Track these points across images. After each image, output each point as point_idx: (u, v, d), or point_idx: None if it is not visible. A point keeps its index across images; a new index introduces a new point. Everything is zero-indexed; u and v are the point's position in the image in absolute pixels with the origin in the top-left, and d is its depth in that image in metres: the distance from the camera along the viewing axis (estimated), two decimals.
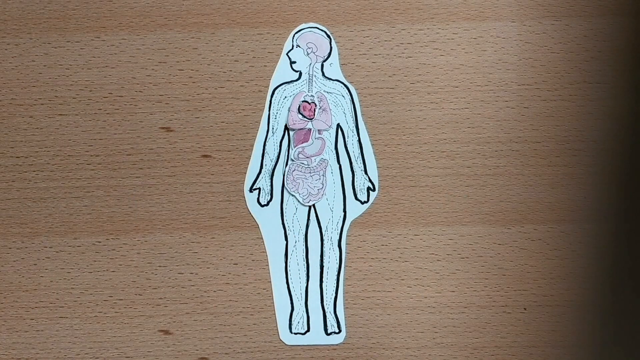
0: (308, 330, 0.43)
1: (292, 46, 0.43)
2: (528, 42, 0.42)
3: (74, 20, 0.43)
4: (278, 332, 0.43)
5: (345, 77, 0.43)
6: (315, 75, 0.43)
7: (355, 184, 0.43)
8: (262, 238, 0.43)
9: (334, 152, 0.43)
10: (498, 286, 0.43)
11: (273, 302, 0.43)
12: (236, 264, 0.43)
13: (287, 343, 0.43)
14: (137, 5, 0.43)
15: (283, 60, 0.43)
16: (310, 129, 0.43)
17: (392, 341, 0.43)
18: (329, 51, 0.43)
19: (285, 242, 0.43)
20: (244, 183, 0.43)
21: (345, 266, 0.43)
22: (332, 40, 0.43)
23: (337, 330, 0.43)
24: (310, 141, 0.42)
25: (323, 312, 0.43)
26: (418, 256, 0.43)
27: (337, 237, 0.43)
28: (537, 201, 0.43)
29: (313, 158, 0.43)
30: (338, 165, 0.43)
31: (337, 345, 0.43)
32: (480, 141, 0.43)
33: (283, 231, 0.43)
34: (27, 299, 0.43)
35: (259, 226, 0.43)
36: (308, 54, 0.43)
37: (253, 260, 0.43)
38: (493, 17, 0.42)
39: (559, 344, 0.43)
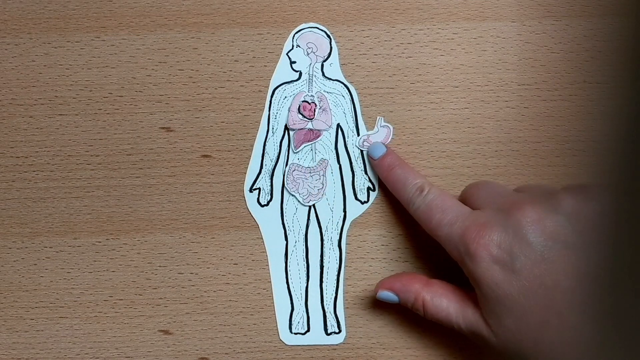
0: (308, 330, 0.43)
1: (292, 46, 0.43)
2: (528, 42, 0.42)
3: (74, 20, 0.43)
4: (278, 332, 0.43)
5: (345, 77, 0.43)
6: (315, 75, 0.43)
7: (355, 184, 0.43)
8: (262, 238, 0.43)
9: (334, 152, 0.43)
10: None
11: (273, 302, 0.43)
12: (236, 264, 0.43)
13: (287, 343, 0.43)
14: (137, 5, 0.43)
15: (283, 60, 0.43)
16: (312, 129, 0.43)
17: (392, 341, 0.43)
18: (329, 51, 0.43)
19: (285, 242, 0.43)
20: (244, 183, 0.43)
21: (345, 266, 0.43)
22: (332, 40, 0.43)
23: (337, 330, 0.43)
24: (375, 129, 0.42)
25: (323, 312, 0.43)
26: (418, 256, 0.43)
27: (337, 237, 0.43)
28: None
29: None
30: (338, 165, 0.43)
31: (337, 345, 0.43)
32: (480, 141, 0.43)
33: (283, 231, 0.43)
34: (27, 299, 0.43)
35: (259, 226, 0.43)
36: (308, 54, 0.43)
37: (253, 260, 0.43)
38: (493, 17, 0.42)
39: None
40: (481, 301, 0.37)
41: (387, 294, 0.40)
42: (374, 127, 0.43)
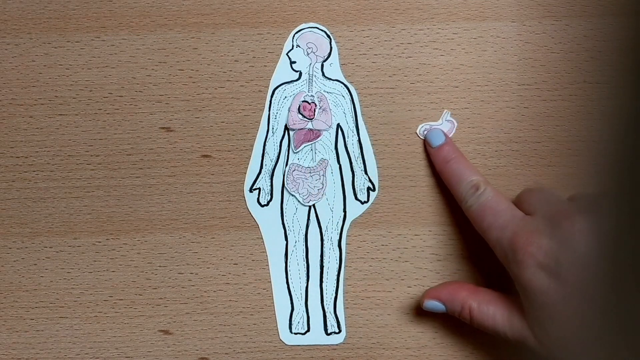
0: (308, 330, 0.43)
1: (292, 46, 0.43)
2: (528, 42, 0.42)
3: (74, 20, 0.43)
4: (278, 332, 0.43)
5: (345, 77, 0.43)
6: (315, 75, 0.43)
7: (355, 184, 0.43)
8: (262, 238, 0.43)
9: (334, 152, 0.43)
10: (498, 286, 0.43)
11: (273, 302, 0.43)
12: (236, 264, 0.43)
13: (287, 343, 0.43)
14: (137, 5, 0.43)
15: (283, 60, 0.43)
16: (312, 129, 0.43)
17: (392, 341, 0.43)
18: (329, 51, 0.43)
19: (285, 242, 0.43)
20: (244, 183, 0.43)
21: (345, 266, 0.43)
22: (332, 40, 0.43)
23: (337, 330, 0.43)
24: (440, 121, 0.42)
25: (323, 312, 0.43)
26: (418, 256, 0.43)
27: (337, 237, 0.43)
28: None
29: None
30: (338, 165, 0.43)
31: (337, 345, 0.43)
32: (480, 141, 0.43)
33: (283, 231, 0.43)
34: (27, 299, 0.43)
35: (259, 226, 0.43)
36: (308, 54, 0.43)
37: (253, 260, 0.43)
38: (493, 17, 0.42)
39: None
40: (526, 307, 0.37)
41: (434, 304, 0.40)
42: (373, 127, 0.43)
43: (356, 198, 0.43)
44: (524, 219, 0.38)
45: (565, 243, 0.36)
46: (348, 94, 0.43)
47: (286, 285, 0.43)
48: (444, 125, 0.42)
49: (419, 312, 0.43)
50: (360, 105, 0.43)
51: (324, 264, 0.43)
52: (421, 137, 0.42)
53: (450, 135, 0.42)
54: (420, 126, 0.42)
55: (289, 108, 0.43)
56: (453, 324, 0.43)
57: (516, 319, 0.38)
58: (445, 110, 0.42)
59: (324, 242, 0.43)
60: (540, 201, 0.39)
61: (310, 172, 0.43)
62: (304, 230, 0.43)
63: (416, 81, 0.43)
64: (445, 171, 0.42)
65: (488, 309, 0.39)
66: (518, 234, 0.37)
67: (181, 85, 0.43)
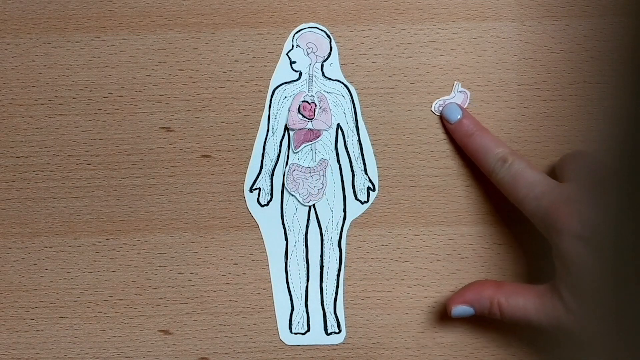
0: (308, 330, 0.43)
1: (292, 46, 0.43)
2: (528, 42, 0.42)
3: (74, 20, 0.43)
4: (278, 332, 0.43)
5: (345, 77, 0.43)
6: (315, 75, 0.43)
7: (355, 184, 0.43)
8: (262, 238, 0.43)
9: (334, 152, 0.43)
10: None
11: (273, 302, 0.43)
12: (236, 264, 0.43)
13: (287, 343, 0.43)
14: (137, 5, 0.43)
15: (283, 60, 0.43)
16: (312, 129, 0.43)
17: (392, 341, 0.43)
18: (329, 51, 0.43)
19: (285, 242, 0.43)
20: (244, 183, 0.43)
21: (345, 266, 0.43)
22: (332, 40, 0.43)
23: (337, 330, 0.43)
24: (452, 94, 0.41)
25: (323, 312, 0.43)
26: (418, 256, 0.43)
27: (337, 237, 0.43)
28: None
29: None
30: (338, 165, 0.43)
31: (337, 345, 0.43)
32: None
33: (283, 231, 0.43)
34: (27, 299, 0.43)
35: (259, 226, 0.43)
36: (308, 54, 0.43)
37: (253, 260, 0.43)
38: (493, 17, 0.42)
39: (559, 342, 0.43)
40: (562, 277, 0.37)
41: (462, 309, 0.40)
42: (373, 127, 0.43)
43: (356, 198, 0.43)
44: (560, 187, 0.38)
45: (602, 214, 0.35)
46: (348, 94, 0.43)
47: (286, 285, 0.43)
48: (457, 97, 0.42)
49: (419, 312, 0.43)
50: (360, 105, 0.43)
51: (324, 264, 0.43)
52: (437, 113, 0.42)
53: (465, 106, 0.42)
54: (435, 102, 0.42)
55: (289, 108, 0.43)
56: (453, 324, 0.43)
57: (548, 304, 0.37)
58: (456, 82, 0.42)
59: (324, 242, 0.43)
60: (581, 168, 0.39)
61: (310, 172, 0.43)
62: (304, 230, 0.43)
63: (416, 81, 0.43)
64: (468, 145, 0.41)
65: (517, 300, 0.38)
66: (556, 203, 0.37)
67: (181, 85, 0.43)
